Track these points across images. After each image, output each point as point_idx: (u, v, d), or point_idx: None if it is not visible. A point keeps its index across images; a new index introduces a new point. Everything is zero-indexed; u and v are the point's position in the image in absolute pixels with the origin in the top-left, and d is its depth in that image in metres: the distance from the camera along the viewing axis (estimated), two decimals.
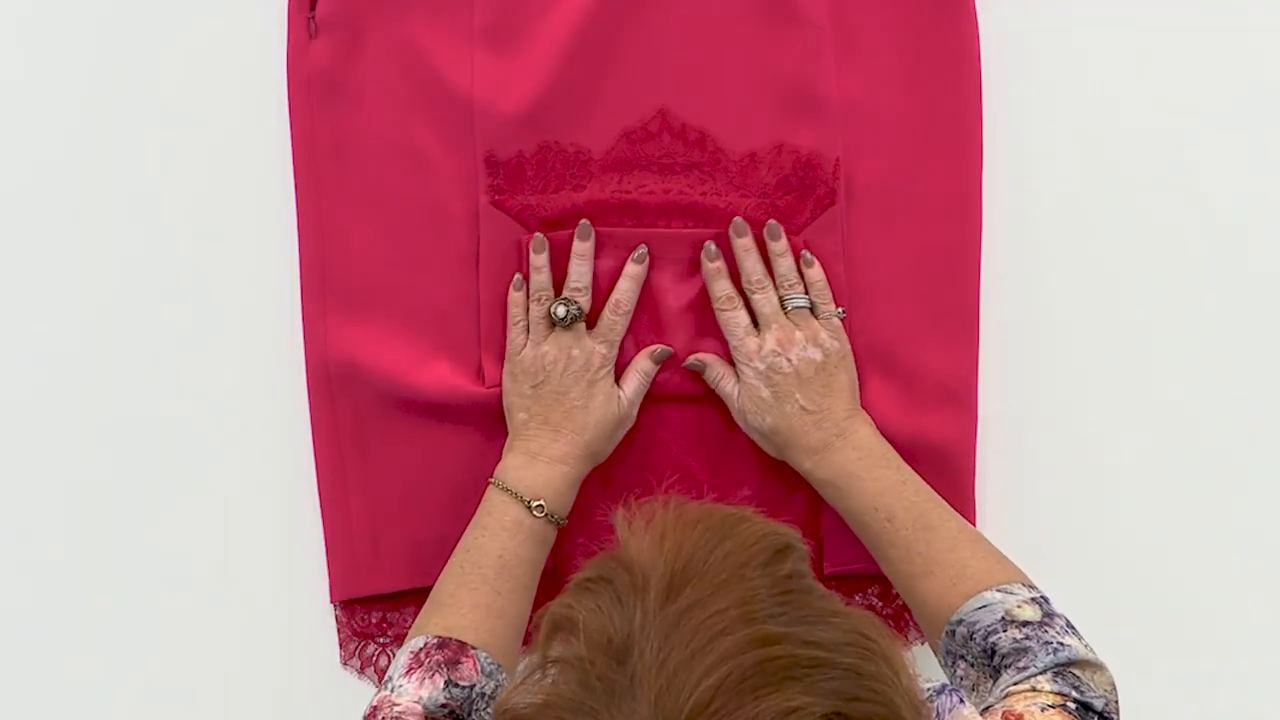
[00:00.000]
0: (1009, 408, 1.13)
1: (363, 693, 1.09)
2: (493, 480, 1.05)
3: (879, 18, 1.11)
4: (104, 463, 1.13)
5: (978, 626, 0.96)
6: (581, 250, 1.07)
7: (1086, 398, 1.14)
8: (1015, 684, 0.91)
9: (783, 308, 1.07)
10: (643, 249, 1.08)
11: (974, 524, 1.12)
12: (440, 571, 1.06)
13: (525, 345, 1.07)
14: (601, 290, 1.09)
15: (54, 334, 1.13)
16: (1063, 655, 0.92)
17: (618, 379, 1.08)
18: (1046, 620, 0.95)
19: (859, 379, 1.09)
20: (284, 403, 1.12)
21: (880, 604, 1.13)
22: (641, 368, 1.09)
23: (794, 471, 1.11)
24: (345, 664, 1.12)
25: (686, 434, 1.12)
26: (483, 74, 1.09)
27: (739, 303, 1.07)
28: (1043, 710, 0.88)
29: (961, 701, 0.85)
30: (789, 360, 1.05)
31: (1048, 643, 0.93)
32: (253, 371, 1.13)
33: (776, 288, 1.08)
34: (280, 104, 1.12)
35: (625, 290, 1.08)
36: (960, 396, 1.12)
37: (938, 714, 0.84)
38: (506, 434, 1.09)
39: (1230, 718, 1.15)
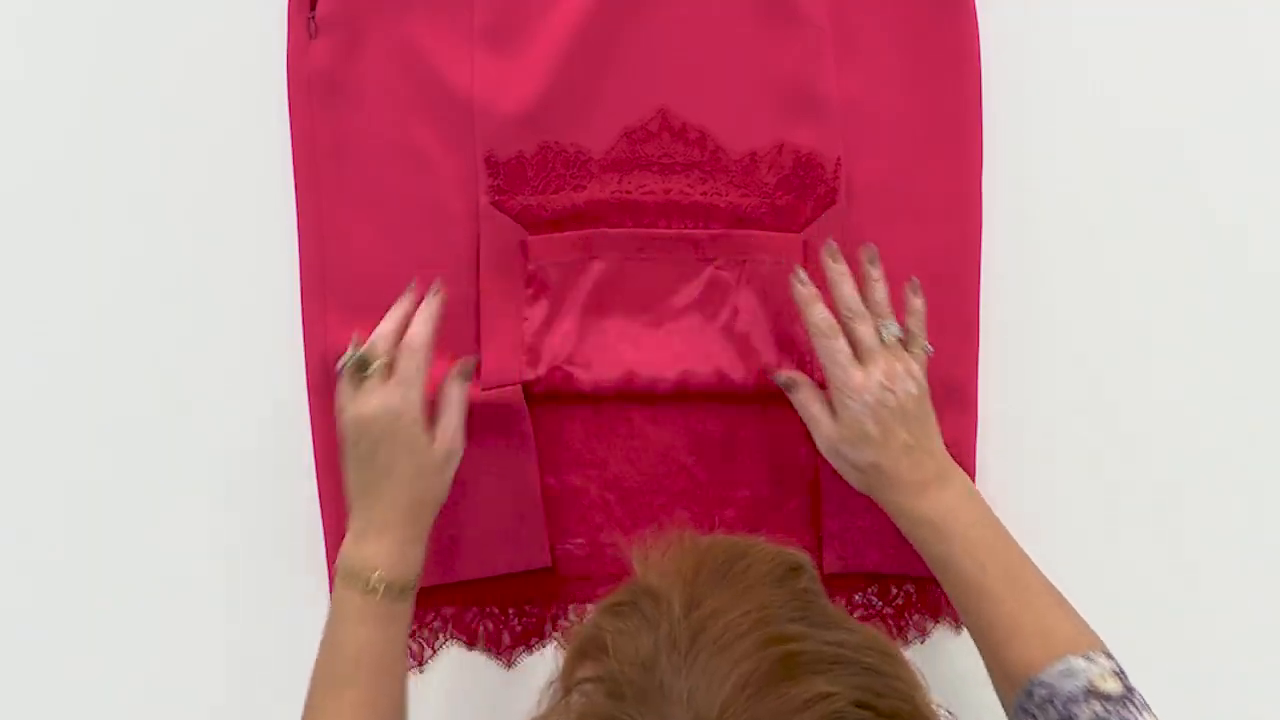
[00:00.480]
0: (1009, 408, 1.13)
1: None
2: (336, 567, 1.01)
3: (879, 18, 1.11)
4: (103, 462, 1.13)
5: (1058, 692, 0.93)
6: (402, 302, 1.04)
7: (1087, 398, 1.14)
8: None
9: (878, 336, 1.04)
10: (436, 285, 1.04)
11: None
12: (437, 570, 1.06)
13: (341, 409, 1.02)
14: (602, 290, 1.09)
15: (53, 334, 1.13)
16: None
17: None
18: (1127, 696, 0.93)
19: None
20: (284, 402, 1.12)
21: (880, 603, 1.13)
22: (453, 395, 1.04)
23: (793, 472, 1.11)
24: None
25: (684, 434, 1.11)
26: (483, 74, 1.09)
27: (839, 330, 1.03)
28: None
29: None
30: (894, 394, 1.01)
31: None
32: (253, 371, 1.13)
33: (873, 315, 1.04)
34: (280, 104, 1.12)
35: (419, 325, 1.02)
36: (960, 396, 1.12)
37: None
38: (504, 435, 1.09)
39: (1231, 717, 1.15)
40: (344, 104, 1.11)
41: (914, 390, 1.02)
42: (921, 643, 1.12)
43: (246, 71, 1.12)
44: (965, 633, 1.13)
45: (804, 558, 0.79)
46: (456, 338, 1.10)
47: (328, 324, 1.12)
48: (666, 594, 0.74)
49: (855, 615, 1.12)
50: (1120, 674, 0.94)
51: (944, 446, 1.04)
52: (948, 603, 1.12)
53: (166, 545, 1.13)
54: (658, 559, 0.78)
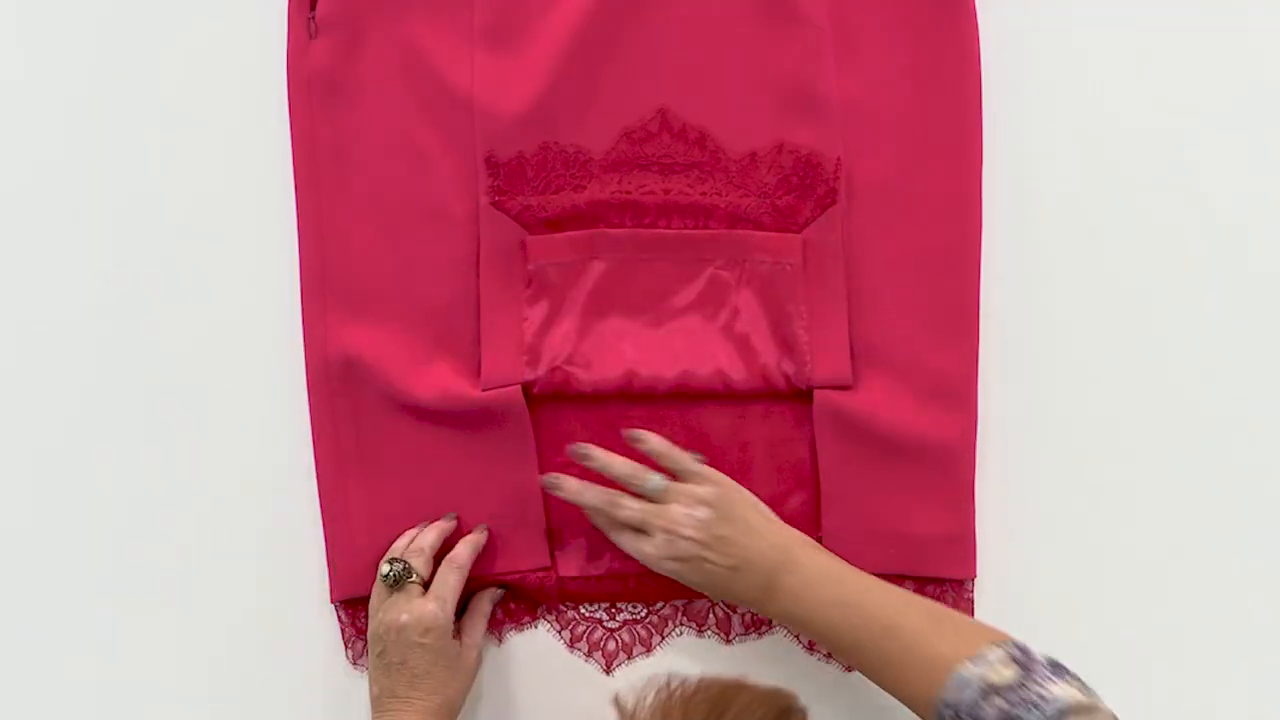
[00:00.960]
0: (1009, 408, 1.13)
1: (361, 690, 1.08)
2: None
3: (879, 18, 1.11)
4: (103, 462, 1.13)
5: (962, 707, 0.92)
6: (440, 526, 1.09)
7: (1086, 397, 1.14)
8: None
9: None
10: (482, 527, 1.10)
11: (974, 524, 1.12)
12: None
13: (373, 612, 1.06)
14: (602, 290, 1.09)
15: (53, 334, 1.13)
16: (1051, 711, 0.89)
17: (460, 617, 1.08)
18: (1025, 675, 0.92)
19: (856, 378, 1.10)
20: (284, 402, 1.12)
21: None
22: (482, 608, 1.09)
23: (792, 472, 1.11)
24: (355, 664, 1.12)
25: (684, 434, 1.11)
26: (483, 74, 1.09)
27: (620, 526, 1.06)
28: None
29: None
30: (684, 539, 1.01)
31: (1033, 705, 0.90)
32: (253, 371, 1.13)
33: (627, 491, 1.06)
34: (280, 104, 1.12)
35: (464, 549, 1.08)
36: (960, 396, 1.12)
37: None
38: (504, 435, 1.09)
39: (1232, 716, 1.14)
40: (344, 104, 1.11)
41: (702, 516, 1.02)
42: None
43: (246, 71, 1.12)
44: None
45: (792, 697, 0.78)
46: (456, 338, 1.10)
47: (328, 324, 1.12)
48: None
49: None
50: (1016, 655, 0.93)
51: (779, 531, 1.04)
52: (948, 603, 1.12)
53: (167, 545, 1.13)
54: (641, 712, 0.76)
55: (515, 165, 1.09)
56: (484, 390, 1.09)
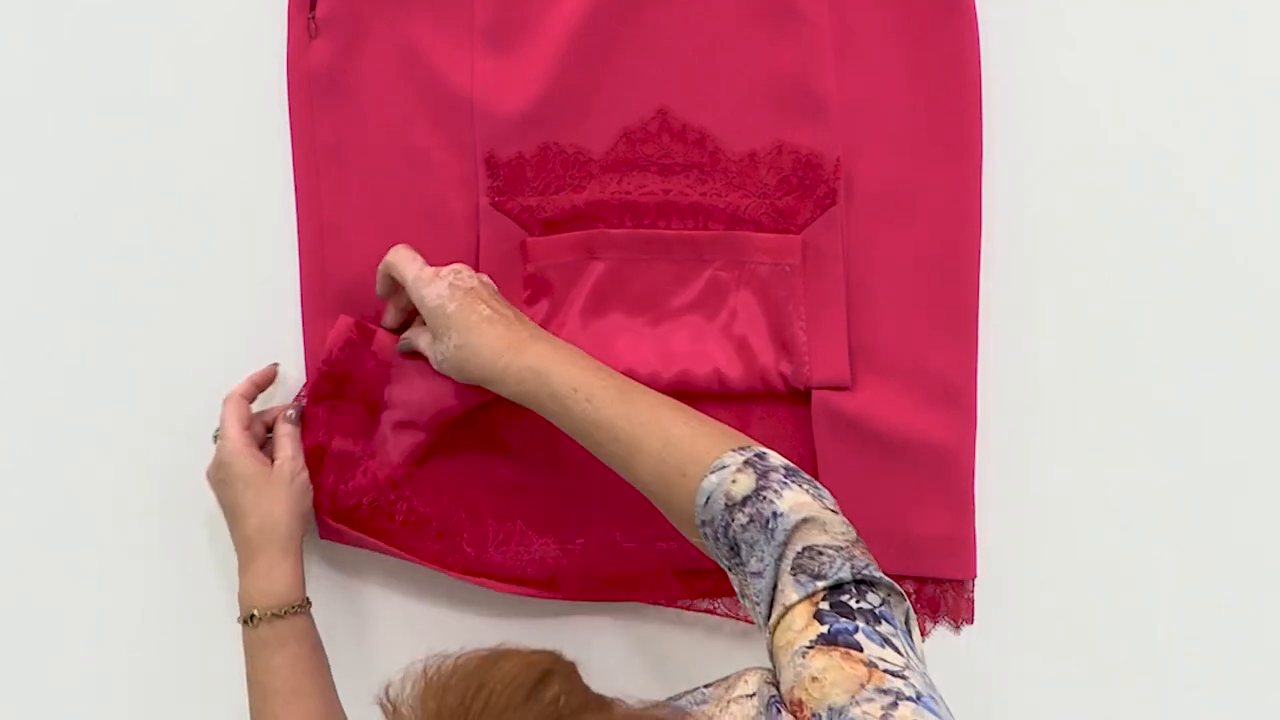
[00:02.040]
0: (1009, 408, 1.13)
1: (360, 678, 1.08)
2: None
3: (879, 18, 1.11)
4: (103, 462, 1.13)
5: (715, 524, 0.92)
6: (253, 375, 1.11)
7: (1086, 397, 1.14)
8: (770, 616, 0.88)
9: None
10: (297, 406, 1.09)
11: (974, 524, 1.12)
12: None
13: None
14: (601, 291, 1.09)
15: (53, 334, 1.13)
16: (780, 533, 0.88)
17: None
18: (763, 483, 0.91)
19: (854, 379, 1.10)
20: (284, 403, 1.12)
21: None
22: (281, 431, 1.08)
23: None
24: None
25: None
26: (482, 74, 1.09)
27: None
28: (804, 655, 0.83)
29: (778, 711, 0.83)
30: (469, 277, 1.04)
31: (766, 520, 0.89)
32: (253, 371, 1.13)
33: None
34: (280, 104, 1.12)
35: (239, 387, 1.09)
36: (960, 396, 1.12)
37: None
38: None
39: (1231, 716, 1.15)
40: (344, 104, 1.11)
41: (482, 279, 1.05)
42: (921, 642, 1.12)
43: (246, 71, 1.12)
44: (966, 631, 1.13)
45: (553, 658, 0.77)
46: None
47: (328, 324, 1.11)
48: None
49: None
50: (752, 460, 0.92)
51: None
52: (948, 603, 1.13)
53: (166, 545, 1.13)
54: (404, 705, 0.75)
55: (515, 166, 1.09)
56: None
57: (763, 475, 0.92)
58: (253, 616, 1.02)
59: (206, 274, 1.13)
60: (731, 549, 0.92)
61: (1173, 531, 1.14)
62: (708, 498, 0.92)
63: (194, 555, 1.14)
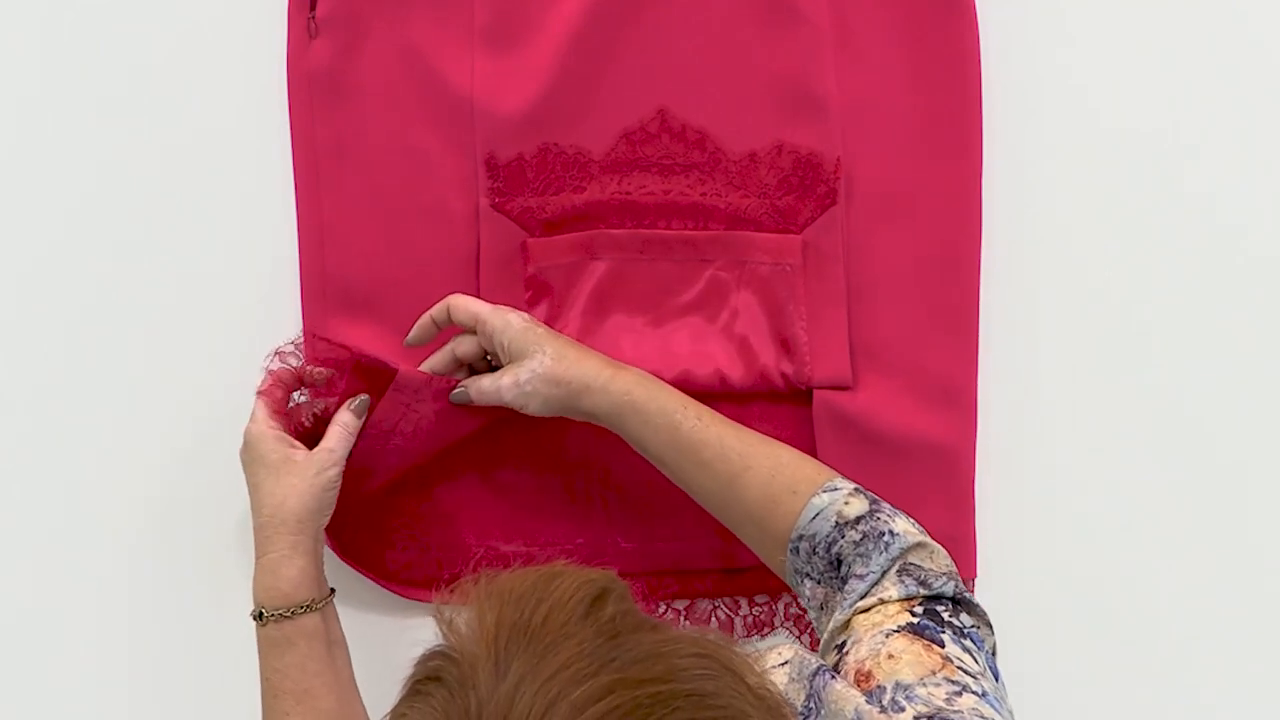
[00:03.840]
0: (1009, 408, 1.13)
1: (375, 693, 1.08)
2: None
3: (879, 18, 1.11)
4: (103, 462, 1.13)
5: (818, 539, 0.95)
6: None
7: (1086, 397, 1.14)
8: (862, 600, 0.91)
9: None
10: (363, 399, 1.04)
11: (974, 524, 1.12)
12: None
13: None
14: (602, 291, 1.09)
15: (53, 334, 1.13)
16: (894, 549, 0.93)
17: None
18: (875, 508, 0.95)
19: (855, 378, 1.10)
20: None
21: None
22: (340, 418, 1.03)
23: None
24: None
25: None
26: (482, 75, 1.09)
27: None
28: (888, 649, 0.86)
29: (832, 677, 0.85)
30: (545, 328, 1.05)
31: (881, 535, 0.93)
32: (253, 372, 1.13)
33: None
34: (280, 104, 1.12)
35: (284, 374, 1.05)
36: (960, 396, 1.12)
37: (817, 700, 0.84)
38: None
39: (1231, 715, 1.15)
40: (344, 104, 1.11)
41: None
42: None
43: (246, 71, 1.12)
44: None
45: (608, 577, 0.76)
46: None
47: (328, 324, 1.11)
48: (470, 661, 0.71)
49: None
50: (862, 490, 0.97)
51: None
52: None
53: (167, 544, 1.13)
54: (458, 615, 0.74)
55: (515, 167, 1.09)
56: None
57: (874, 502, 0.96)
58: (260, 614, 0.99)
59: (206, 274, 1.13)
60: (831, 563, 0.95)
61: (1173, 531, 1.14)
62: (817, 513, 0.96)
63: (196, 553, 1.13)
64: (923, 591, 0.91)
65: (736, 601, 1.14)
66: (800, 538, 0.96)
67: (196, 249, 1.13)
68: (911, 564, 0.92)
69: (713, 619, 1.13)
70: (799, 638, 1.13)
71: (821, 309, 1.10)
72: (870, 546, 0.93)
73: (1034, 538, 1.14)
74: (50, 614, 1.14)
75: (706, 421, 1.01)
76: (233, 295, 1.13)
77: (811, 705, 0.84)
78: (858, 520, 0.95)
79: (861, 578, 0.93)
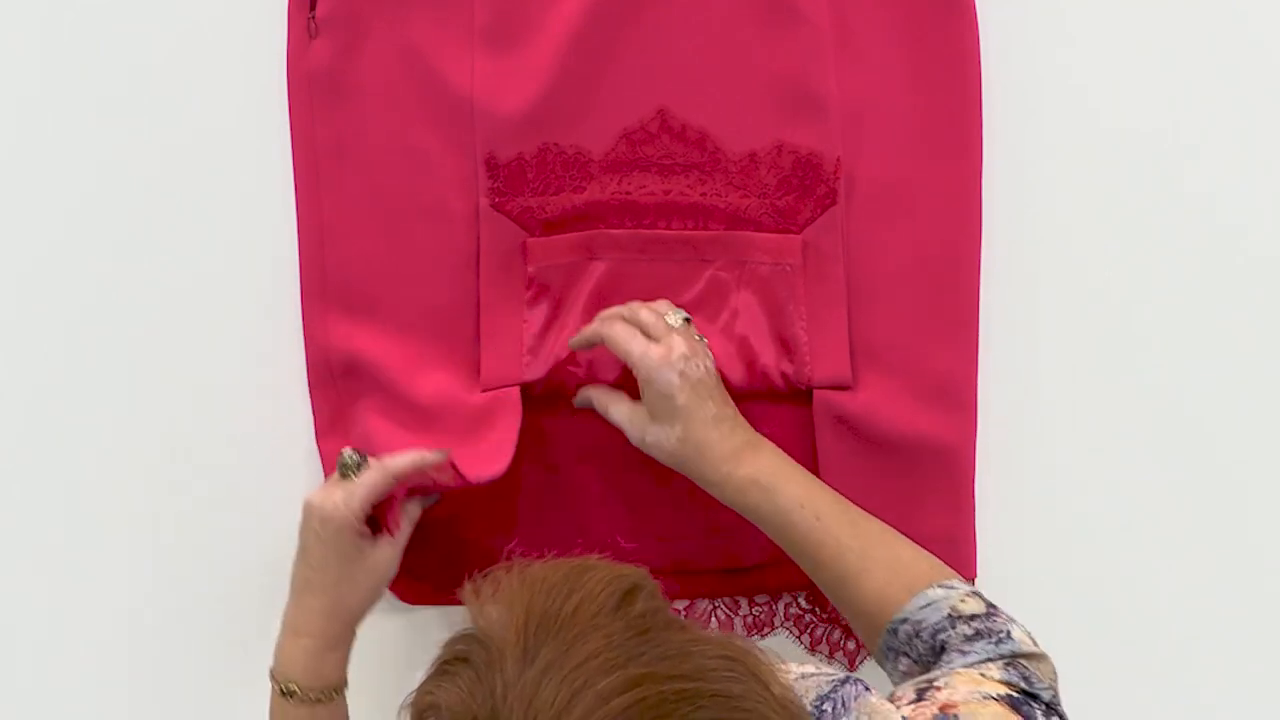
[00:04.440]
0: (1009, 408, 1.13)
1: (377, 687, 1.08)
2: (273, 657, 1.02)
3: (879, 18, 1.11)
4: (103, 461, 1.13)
5: (924, 625, 0.95)
6: (421, 454, 1.03)
7: (1086, 397, 1.14)
8: (965, 665, 0.91)
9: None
10: (428, 501, 1.04)
11: (974, 524, 1.12)
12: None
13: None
14: (602, 291, 1.09)
15: (52, 334, 1.13)
16: (1007, 647, 0.92)
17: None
18: (992, 611, 0.95)
19: (855, 378, 1.10)
20: (285, 403, 1.12)
21: None
22: (407, 514, 1.03)
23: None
24: None
25: None
26: (482, 75, 1.09)
27: (625, 312, 1.04)
28: (983, 700, 0.86)
29: (867, 689, 0.85)
30: (697, 365, 1.02)
31: (996, 632, 0.93)
32: (253, 371, 1.13)
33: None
34: (280, 104, 1.12)
35: (405, 457, 1.02)
36: (960, 396, 1.12)
37: (841, 704, 0.84)
38: (501, 438, 1.09)
39: (1231, 715, 1.15)
40: (344, 104, 1.11)
41: (710, 365, 1.03)
42: None
43: (246, 71, 1.12)
44: None
45: (640, 575, 0.77)
46: (457, 339, 1.10)
47: (328, 324, 1.12)
48: (499, 644, 0.71)
49: None
50: (978, 594, 0.96)
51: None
52: None
53: (167, 544, 1.13)
54: (489, 599, 0.75)
55: (515, 167, 1.09)
56: (483, 391, 1.09)
57: (991, 606, 0.96)
58: (290, 690, 0.99)
59: (206, 274, 1.13)
60: (934, 649, 0.95)
61: (1173, 531, 1.14)
62: (929, 603, 0.96)
63: (196, 552, 1.13)
64: (1022, 685, 0.90)
65: (736, 601, 1.14)
66: (904, 620, 0.96)
67: (196, 249, 1.13)
68: (1021, 663, 0.92)
69: (713, 619, 1.13)
70: (799, 638, 1.13)
71: (821, 309, 1.10)
72: (982, 643, 0.93)
73: (1034, 538, 1.14)
74: (49, 614, 1.14)
75: (825, 521, 1.00)
76: (233, 295, 1.13)
77: (826, 709, 0.84)
78: (973, 618, 0.94)
79: (965, 654, 0.92)
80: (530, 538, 1.11)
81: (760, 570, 1.13)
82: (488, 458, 1.05)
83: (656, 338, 1.02)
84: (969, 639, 0.93)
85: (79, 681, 1.14)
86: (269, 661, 1.04)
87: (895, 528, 1.10)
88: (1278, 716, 1.15)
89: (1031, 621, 1.13)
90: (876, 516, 1.07)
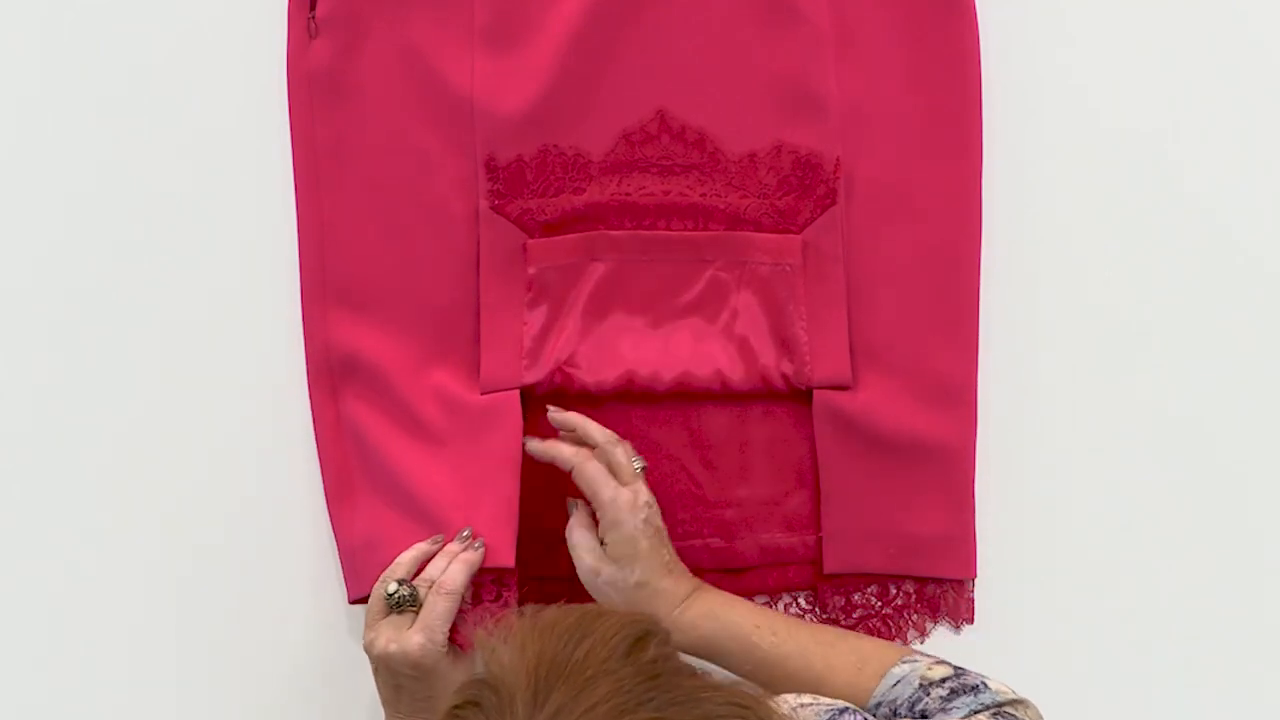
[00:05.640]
0: (1009, 408, 1.13)
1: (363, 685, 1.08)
2: None
3: (879, 18, 1.11)
4: (103, 460, 1.13)
5: (900, 701, 0.97)
6: (451, 552, 1.05)
7: (1086, 397, 1.14)
8: (956, 705, 0.94)
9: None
10: (480, 542, 1.05)
11: (974, 524, 1.12)
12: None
13: (370, 623, 1.03)
14: (602, 292, 1.09)
15: (53, 334, 1.13)
16: (987, 697, 0.94)
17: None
18: (961, 671, 0.97)
19: (855, 378, 1.10)
20: (284, 403, 1.12)
21: (879, 604, 1.13)
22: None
23: (792, 472, 1.11)
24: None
25: (684, 435, 1.11)
26: (482, 76, 1.09)
27: (600, 446, 1.04)
28: None
29: None
30: (657, 514, 1.04)
31: (971, 687, 0.95)
32: (253, 371, 1.13)
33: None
34: (280, 104, 1.12)
35: (457, 572, 1.03)
36: (960, 396, 1.12)
37: None
38: (497, 440, 1.08)
39: (1231, 715, 1.15)
40: (344, 104, 1.11)
41: (660, 515, 1.05)
42: (921, 642, 1.12)
43: (246, 71, 1.12)
44: (966, 631, 1.13)
45: (651, 622, 0.78)
46: (457, 340, 1.10)
47: (328, 324, 1.12)
48: (510, 689, 0.72)
49: (854, 615, 1.12)
50: (944, 661, 0.98)
51: None
52: (948, 603, 1.13)
53: (167, 544, 1.13)
54: (501, 644, 0.75)
55: (515, 169, 1.09)
56: (483, 393, 1.09)
57: (958, 667, 0.98)
58: None
59: (206, 274, 1.13)
60: (917, 717, 0.96)
61: (1173, 531, 1.14)
62: (898, 680, 0.98)
63: (196, 552, 1.13)
64: None
65: None
66: (879, 704, 0.97)
67: (196, 248, 1.13)
68: (1008, 711, 0.93)
69: None
70: None
71: (821, 309, 1.10)
72: (960, 699, 0.94)
73: (1034, 538, 1.14)
74: (49, 613, 1.14)
75: (783, 635, 1.02)
76: (233, 295, 1.13)
77: None
78: (944, 680, 0.96)
79: (948, 713, 0.94)
80: (528, 542, 1.11)
81: (760, 570, 1.13)
82: (498, 541, 1.06)
83: (626, 482, 1.03)
84: (946, 699, 0.95)
85: (79, 681, 1.14)
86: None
87: (895, 527, 1.11)
88: (1278, 717, 1.14)
89: (1031, 621, 1.13)
90: (876, 516, 1.07)
